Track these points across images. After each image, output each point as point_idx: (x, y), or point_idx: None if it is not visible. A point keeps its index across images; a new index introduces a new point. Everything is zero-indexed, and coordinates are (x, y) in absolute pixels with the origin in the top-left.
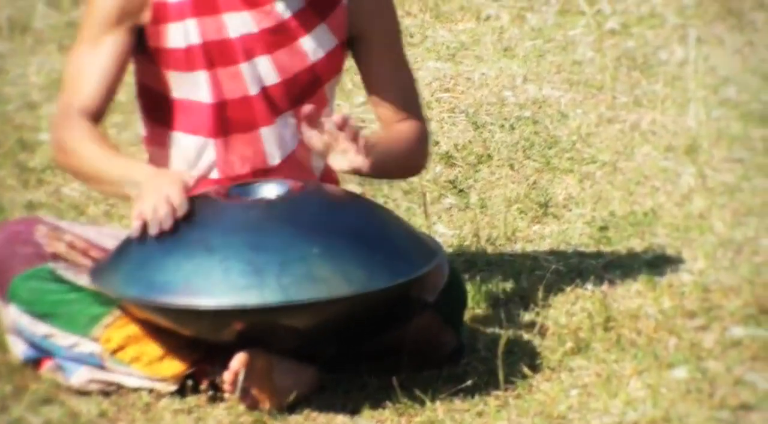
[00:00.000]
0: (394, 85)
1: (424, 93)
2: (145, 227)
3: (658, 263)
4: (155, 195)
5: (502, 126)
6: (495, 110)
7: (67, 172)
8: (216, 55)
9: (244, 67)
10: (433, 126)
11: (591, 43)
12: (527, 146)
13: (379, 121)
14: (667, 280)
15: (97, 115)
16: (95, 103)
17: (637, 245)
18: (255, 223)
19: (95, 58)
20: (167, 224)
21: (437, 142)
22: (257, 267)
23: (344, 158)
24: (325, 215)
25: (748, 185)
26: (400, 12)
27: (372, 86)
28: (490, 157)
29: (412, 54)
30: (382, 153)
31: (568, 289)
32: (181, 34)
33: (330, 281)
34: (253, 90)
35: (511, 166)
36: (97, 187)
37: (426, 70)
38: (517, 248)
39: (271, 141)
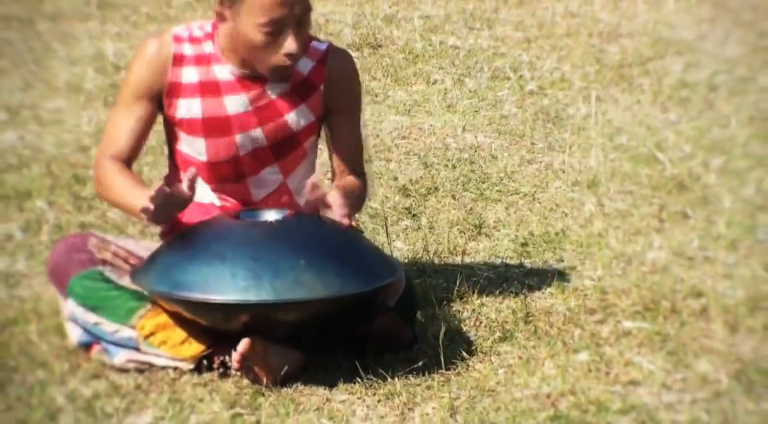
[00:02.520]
0: (350, 147)
1: (386, 140)
2: (152, 213)
3: (566, 272)
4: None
5: (446, 165)
6: (440, 153)
7: (104, 201)
8: (213, 127)
9: (237, 137)
10: (392, 165)
11: (515, 102)
12: (465, 181)
13: (335, 169)
14: (573, 284)
15: (128, 161)
16: (125, 153)
17: (550, 257)
18: (257, 239)
19: (126, 119)
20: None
21: (396, 178)
22: (256, 273)
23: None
24: (310, 236)
25: (636, 212)
26: (367, 77)
27: (334, 145)
28: (436, 189)
29: (376, 109)
30: (351, 203)
31: (497, 291)
32: (186, 108)
33: (312, 286)
34: (243, 152)
35: (453, 197)
36: (127, 212)
37: (387, 122)
38: (457, 260)
39: (256, 186)
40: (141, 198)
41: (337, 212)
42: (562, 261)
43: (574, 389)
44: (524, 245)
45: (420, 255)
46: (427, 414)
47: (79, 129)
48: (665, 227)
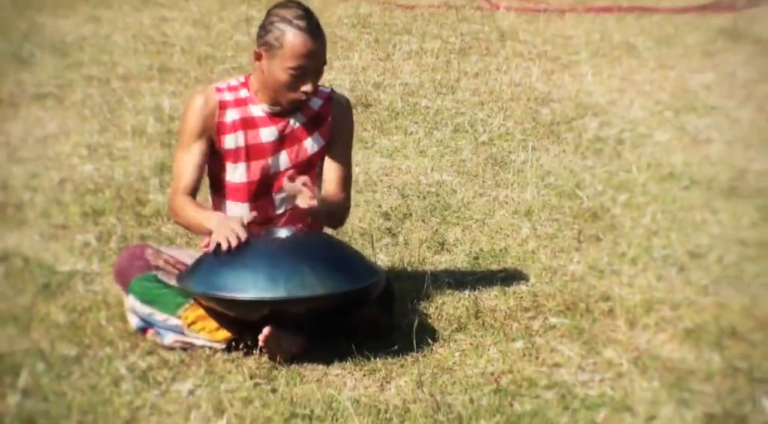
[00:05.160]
0: (340, 172)
1: (373, 176)
2: (218, 247)
3: (507, 279)
4: (226, 229)
5: (418, 196)
6: (414, 187)
7: (179, 225)
8: (253, 153)
9: (270, 159)
10: (377, 196)
11: (471, 149)
12: (432, 209)
13: (325, 189)
14: (512, 289)
15: (193, 191)
16: (191, 184)
17: (495, 268)
18: (274, 251)
19: (188, 158)
20: (234, 244)
21: (380, 205)
22: (273, 277)
23: (302, 200)
24: (313, 247)
25: (561, 235)
26: (360, 128)
27: (325, 169)
28: (411, 215)
29: (366, 153)
30: (324, 204)
31: (455, 293)
32: (232, 140)
33: (314, 286)
34: (272, 172)
35: (423, 220)
36: (195, 230)
37: (374, 163)
38: (425, 268)
39: (279, 201)
40: (204, 218)
41: (306, 196)
42: (504, 271)
43: (512, 369)
44: (476, 258)
45: (397, 265)
46: (400, 386)
47: (141, 163)
48: (582, 247)
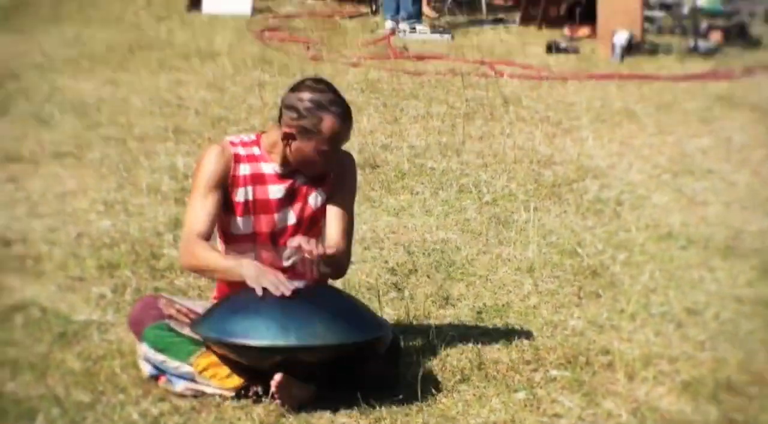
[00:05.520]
0: (341, 222)
1: (380, 234)
2: (264, 291)
3: (509, 333)
4: (271, 277)
5: (423, 253)
6: (420, 245)
7: (193, 272)
8: (261, 207)
9: (276, 215)
10: (383, 252)
11: (475, 209)
12: (437, 265)
13: (326, 239)
14: (514, 342)
15: (207, 238)
16: (205, 231)
17: (498, 322)
18: (285, 300)
19: (203, 205)
20: (287, 293)
21: (386, 261)
22: (285, 325)
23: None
24: (324, 298)
25: (561, 291)
26: (367, 188)
27: (328, 220)
28: (416, 270)
29: (373, 212)
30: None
31: (458, 345)
32: (243, 193)
33: (324, 335)
34: (279, 226)
35: (428, 276)
36: (212, 276)
37: (382, 221)
38: (430, 322)
39: (286, 255)
40: (233, 264)
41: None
42: (507, 325)
43: (514, 419)
44: (479, 313)
45: (403, 318)
46: None
47: (156, 220)
48: (582, 303)
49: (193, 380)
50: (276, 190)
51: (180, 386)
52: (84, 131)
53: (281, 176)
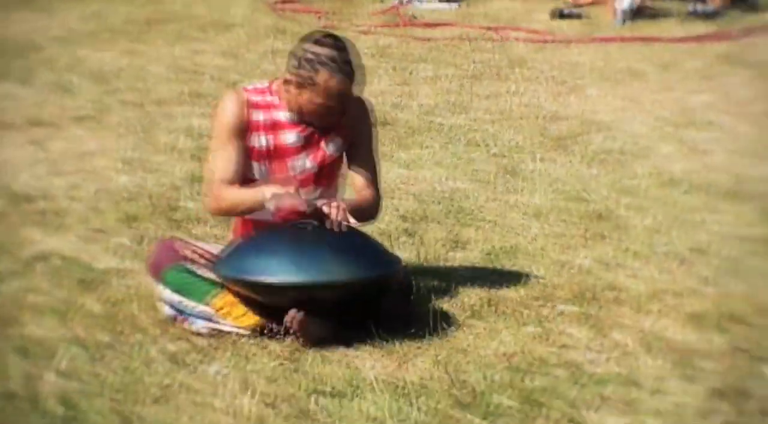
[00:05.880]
0: (365, 170)
1: (391, 185)
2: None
3: (518, 273)
4: (290, 197)
5: (434, 201)
6: (430, 194)
7: (222, 215)
8: (275, 155)
9: (293, 161)
10: (395, 201)
11: (483, 160)
12: (447, 212)
13: (353, 188)
14: (523, 281)
15: (232, 184)
16: (230, 178)
17: (507, 263)
18: (300, 240)
19: (228, 153)
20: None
21: (398, 209)
22: (300, 263)
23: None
24: (339, 238)
25: (568, 233)
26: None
27: (352, 169)
28: (427, 217)
29: (385, 164)
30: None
31: (469, 284)
32: (257, 140)
33: (340, 273)
34: (294, 173)
35: (439, 222)
36: (239, 213)
37: (393, 173)
38: (441, 264)
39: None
40: (255, 190)
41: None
42: (516, 266)
43: (524, 350)
44: (489, 254)
45: (414, 260)
46: (418, 365)
47: (173, 175)
48: (589, 244)
49: (210, 319)
50: (291, 136)
51: (198, 324)
52: (103, 96)
53: (295, 122)
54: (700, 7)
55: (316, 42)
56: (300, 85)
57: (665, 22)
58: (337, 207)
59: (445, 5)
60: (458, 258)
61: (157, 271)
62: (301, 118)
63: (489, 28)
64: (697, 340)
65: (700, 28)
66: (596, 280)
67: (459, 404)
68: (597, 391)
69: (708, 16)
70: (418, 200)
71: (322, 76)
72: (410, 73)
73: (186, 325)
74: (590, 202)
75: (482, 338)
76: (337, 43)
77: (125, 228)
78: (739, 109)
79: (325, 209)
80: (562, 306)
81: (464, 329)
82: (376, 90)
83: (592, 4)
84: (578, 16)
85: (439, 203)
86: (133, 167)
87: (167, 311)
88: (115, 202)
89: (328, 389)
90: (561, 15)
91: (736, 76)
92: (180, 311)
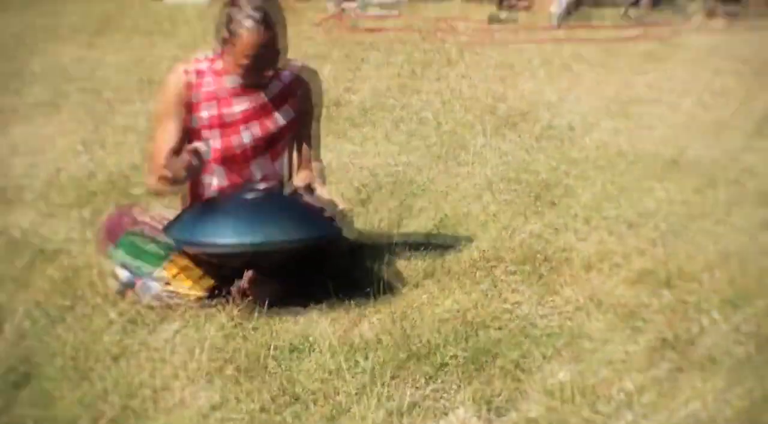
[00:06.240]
0: (310, 142)
1: (345, 160)
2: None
3: (470, 238)
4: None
5: (386, 174)
6: (383, 168)
7: (160, 190)
8: (226, 123)
9: (242, 128)
10: (350, 175)
11: (435, 137)
12: (400, 184)
13: (300, 158)
14: (475, 244)
15: (177, 153)
16: (174, 146)
17: (459, 230)
18: (246, 205)
19: (167, 128)
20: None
21: (351, 182)
22: (251, 225)
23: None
24: (281, 203)
25: (519, 201)
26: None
27: (297, 142)
28: (380, 188)
29: (339, 142)
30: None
31: (422, 249)
32: (206, 110)
33: (280, 235)
34: (246, 140)
35: (391, 193)
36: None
37: (346, 149)
38: (394, 231)
39: (255, 168)
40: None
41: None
42: (468, 231)
43: (477, 306)
44: (441, 221)
45: (368, 228)
46: (373, 322)
47: (132, 154)
48: (539, 210)
49: (167, 283)
50: (240, 104)
51: (155, 288)
52: (62, 84)
53: (245, 89)
54: (632, 11)
55: (233, 3)
56: (226, 46)
57: (599, 24)
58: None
59: (385, 12)
60: (411, 225)
61: (115, 237)
62: (253, 85)
63: (438, 20)
64: (646, 295)
65: (632, 30)
66: (546, 243)
67: (413, 356)
68: (549, 343)
69: (638, 19)
70: (371, 174)
71: (243, 30)
72: (362, 60)
73: (145, 289)
74: (539, 173)
75: (436, 296)
76: (254, 2)
77: (85, 203)
78: (682, 87)
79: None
80: (512, 266)
81: (418, 288)
82: (328, 76)
83: (527, 9)
84: (515, 21)
85: (392, 176)
86: (92, 148)
87: (126, 276)
88: (75, 179)
89: (285, 344)
90: (498, 20)
91: (678, 60)
92: (138, 276)
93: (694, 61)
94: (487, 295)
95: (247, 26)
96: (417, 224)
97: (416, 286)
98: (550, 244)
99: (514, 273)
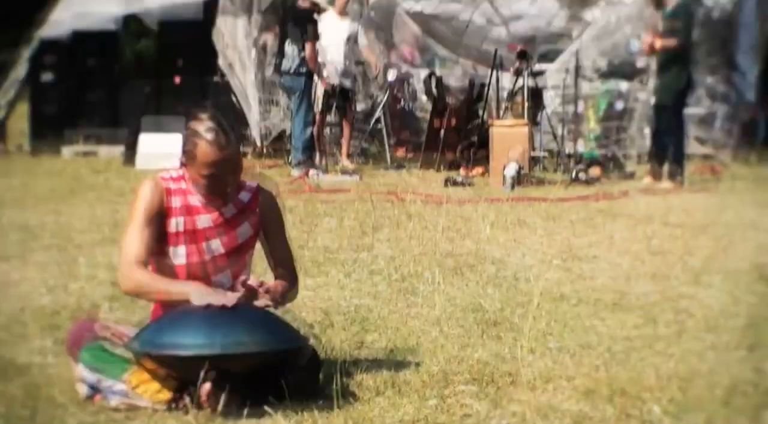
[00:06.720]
0: (283, 254)
1: (299, 302)
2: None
3: (420, 364)
4: (215, 295)
5: (339, 313)
6: (335, 308)
7: (134, 295)
8: (190, 238)
9: (205, 244)
10: (303, 314)
11: (385, 285)
12: (352, 321)
13: (273, 270)
14: (425, 368)
15: (143, 265)
16: (143, 258)
17: (409, 357)
18: (212, 315)
19: (140, 235)
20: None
21: (305, 319)
22: (210, 336)
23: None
24: (249, 316)
25: (466, 335)
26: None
27: (271, 254)
28: (333, 325)
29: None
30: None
31: (374, 371)
32: (174, 224)
33: (248, 345)
34: (207, 257)
35: (344, 329)
36: (153, 298)
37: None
38: (347, 359)
39: (217, 284)
40: (181, 285)
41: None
42: (418, 359)
43: (427, 419)
44: (392, 351)
45: (321, 355)
46: None
47: (93, 296)
48: (486, 343)
49: (126, 395)
50: (204, 220)
51: (115, 400)
52: (28, 242)
53: (207, 206)
54: (582, 175)
55: (194, 118)
56: (188, 161)
57: (550, 187)
58: (274, 289)
59: (347, 177)
60: (363, 354)
61: (75, 350)
62: (216, 202)
63: (389, 193)
64: (591, 410)
65: (583, 191)
66: (493, 369)
67: None
68: None
69: (589, 182)
70: (324, 313)
71: (200, 149)
72: (315, 226)
73: (105, 401)
74: (486, 312)
75: (387, 410)
76: (216, 119)
77: (47, 334)
78: (621, 247)
79: (262, 291)
80: (463, 386)
81: (369, 403)
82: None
83: (482, 174)
84: (470, 184)
85: (344, 315)
86: (55, 292)
87: (86, 391)
88: (38, 315)
89: None
90: (454, 183)
91: (616, 225)
92: (98, 390)
93: (638, 222)
94: (437, 409)
95: (208, 138)
96: (369, 353)
97: (368, 402)
98: (497, 370)
99: (462, 392)
